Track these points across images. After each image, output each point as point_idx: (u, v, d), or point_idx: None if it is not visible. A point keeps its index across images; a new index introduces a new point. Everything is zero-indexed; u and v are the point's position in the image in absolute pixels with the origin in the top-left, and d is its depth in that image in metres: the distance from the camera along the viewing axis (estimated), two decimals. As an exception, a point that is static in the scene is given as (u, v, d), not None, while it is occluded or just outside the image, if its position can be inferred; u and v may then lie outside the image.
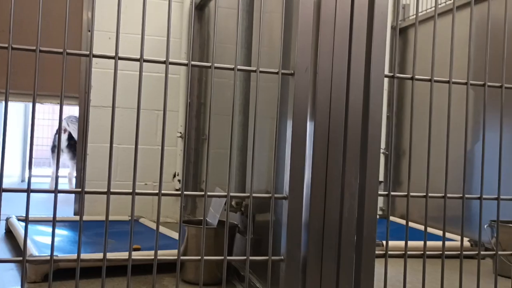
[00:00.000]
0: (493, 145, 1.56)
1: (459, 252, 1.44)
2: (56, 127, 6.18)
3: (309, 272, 1.21)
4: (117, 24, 1.09)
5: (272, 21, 1.68)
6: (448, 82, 1.39)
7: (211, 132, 1.25)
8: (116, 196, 1.18)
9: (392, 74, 1.28)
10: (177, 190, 3.43)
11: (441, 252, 1.42)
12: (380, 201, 4.16)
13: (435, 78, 1.38)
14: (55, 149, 5.41)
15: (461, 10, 2.91)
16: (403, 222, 3.82)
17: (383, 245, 2.74)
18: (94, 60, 3.27)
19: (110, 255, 1.14)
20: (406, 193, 1.40)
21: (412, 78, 1.35)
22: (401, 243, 2.63)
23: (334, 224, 1.23)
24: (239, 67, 1.17)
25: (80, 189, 1.11)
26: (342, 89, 1.23)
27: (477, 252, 1.48)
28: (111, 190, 1.12)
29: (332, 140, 1.22)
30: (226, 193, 1.19)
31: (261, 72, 1.20)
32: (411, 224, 3.76)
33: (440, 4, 3.30)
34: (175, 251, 2.02)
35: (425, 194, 1.39)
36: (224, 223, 2.13)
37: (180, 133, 3.46)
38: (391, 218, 4.03)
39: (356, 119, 1.24)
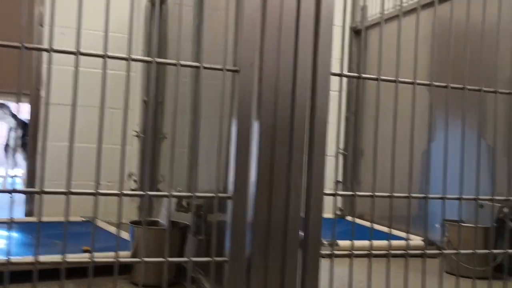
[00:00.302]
0: (453, 146, 1.58)
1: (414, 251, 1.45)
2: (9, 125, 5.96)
3: (254, 273, 1.19)
4: (78, 19, 1.08)
5: (223, 18, 1.65)
6: (412, 83, 1.40)
7: (170, 131, 1.22)
8: (64, 196, 1.14)
9: (339, 72, 1.27)
10: (132, 190, 3.35)
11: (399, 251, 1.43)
12: (339, 201, 4.19)
13: (382, 77, 1.38)
14: (8, 148, 5.22)
15: (413, 14, 2.95)
16: (362, 222, 3.86)
17: (338, 245, 2.75)
18: (46, 56, 3.14)
19: (45, 258, 1.09)
20: (371, 193, 1.39)
21: (377, 79, 1.34)
22: (357, 242, 2.64)
23: (279, 223, 1.21)
24: (182, 62, 1.13)
25: (38, 189, 1.07)
26: (288, 87, 1.21)
27: (428, 251, 1.49)
28: (71, 190, 1.09)
29: (278, 139, 1.20)
30: (168, 193, 1.15)
31: (205, 68, 1.17)
32: (367, 223, 3.79)
33: (403, 4, 3.35)
34: (123, 253, 1.96)
35: (389, 194, 1.40)
36: (176, 224, 2.09)
37: (136, 132, 3.38)
38: (350, 218, 4.06)
39: (302, 117, 1.22)
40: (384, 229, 3.43)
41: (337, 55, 1.39)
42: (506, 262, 2.20)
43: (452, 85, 1.50)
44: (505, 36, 2.36)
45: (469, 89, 1.50)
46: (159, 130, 3.39)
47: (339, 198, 4.24)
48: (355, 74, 1.30)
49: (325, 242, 2.81)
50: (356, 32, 3.97)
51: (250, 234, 1.20)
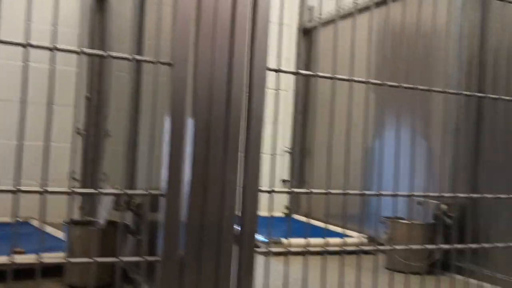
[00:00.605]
0: (393, 144, 1.61)
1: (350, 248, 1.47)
2: None
3: (187, 272, 1.16)
4: (28, 9, 1.02)
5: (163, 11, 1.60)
6: (349, 80, 1.40)
7: (112, 128, 1.17)
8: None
9: (275, 68, 1.26)
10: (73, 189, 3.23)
11: (338, 248, 1.44)
12: (285, 200, 4.21)
13: (319, 73, 1.38)
14: None
15: (363, 13, 3.00)
16: (307, 220, 3.88)
17: (281, 243, 2.76)
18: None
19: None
20: (309, 190, 1.39)
21: (314, 75, 1.34)
22: (300, 240, 2.65)
23: (214, 222, 1.18)
24: (111, 54, 1.09)
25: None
26: (223, 83, 1.19)
27: (373, 247, 1.51)
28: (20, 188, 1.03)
29: (213, 136, 1.18)
30: (96, 191, 1.10)
31: (136, 60, 1.13)
32: (313, 222, 3.83)
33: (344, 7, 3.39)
34: (57, 254, 1.89)
35: (326, 191, 1.40)
36: (114, 223, 2.02)
37: (78, 129, 3.27)
38: (296, 216, 4.09)
39: (237, 114, 1.20)
40: (330, 227, 3.48)
41: (286, 54, 1.38)
42: (441, 258, 2.27)
43: (404, 85, 1.52)
44: (446, 37, 2.45)
45: (405, 87, 1.53)
46: (102, 128, 3.29)
47: (285, 197, 4.26)
48: (293, 70, 1.29)
49: (267, 240, 2.81)
50: (304, 32, 4.00)
51: (184, 233, 1.17)
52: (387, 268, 2.56)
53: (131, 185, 1.90)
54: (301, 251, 1.32)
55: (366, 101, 1.49)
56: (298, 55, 1.51)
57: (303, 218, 3.94)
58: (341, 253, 1.42)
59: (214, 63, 1.18)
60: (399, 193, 1.61)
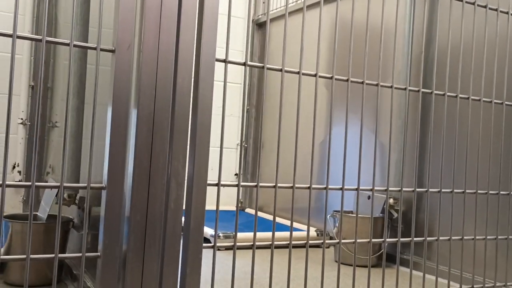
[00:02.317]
0: (343, 139, 1.61)
1: (302, 242, 1.46)
2: None
3: (129, 268, 1.12)
4: None
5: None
6: (298, 73, 1.39)
7: (59, 119, 1.10)
8: None
9: (223, 59, 1.23)
10: (17, 182, 3.09)
11: (285, 242, 1.42)
12: (240, 194, 4.18)
13: (286, 68, 1.37)
14: None
15: (316, 8, 3.02)
16: (261, 214, 3.89)
17: (232, 237, 2.75)
18: None
19: None
20: (255, 184, 1.38)
21: (263, 67, 1.31)
22: (250, 234, 2.63)
23: (158, 215, 1.15)
24: (48, 38, 1.03)
25: None
26: (170, 71, 1.15)
27: (320, 242, 1.51)
28: None
29: (157, 126, 1.14)
30: (30, 183, 1.04)
31: (75, 46, 1.07)
32: (266, 216, 3.82)
33: (294, 2, 3.39)
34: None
35: (274, 184, 1.39)
36: (56, 218, 1.94)
37: (22, 119, 3.13)
38: (249, 210, 4.09)
39: (184, 104, 1.17)
40: (283, 221, 3.49)
41: (240, 47, 1.35)
42: (387, 251, 2.31)
43: (352, 79, 1.52)
44: (396, 33, 2.49)
45: (354, 82, 1.53)
46: (47, 118, 3.16)
47: (239, 191, 4.16)
48: (241, 62, 1.27)
49: (220, 235, 2.78)
50: (258, 25, 3.98)
51: (126, 228, 1.13)
52: (337, 261, 2.59)
53: (77, 178, 1.83)
54: (249, 245, 1.31)
55: (315, 95, 1.48)
56: (247, 47, 1.50)
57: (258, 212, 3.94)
58: (290, 246, 1.41)
59: (159, 51, 1.13)
60: (346, 187, 1.61)
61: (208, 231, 2.80)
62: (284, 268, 1.40)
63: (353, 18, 1.52)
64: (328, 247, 2.85)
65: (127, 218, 1.12)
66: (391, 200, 2.52)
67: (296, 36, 1.43)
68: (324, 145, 3.16)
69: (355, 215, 2.59)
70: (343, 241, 1.76)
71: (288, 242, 1.48)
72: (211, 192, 1.21)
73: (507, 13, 1.83)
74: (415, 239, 1.70)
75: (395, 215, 2.52)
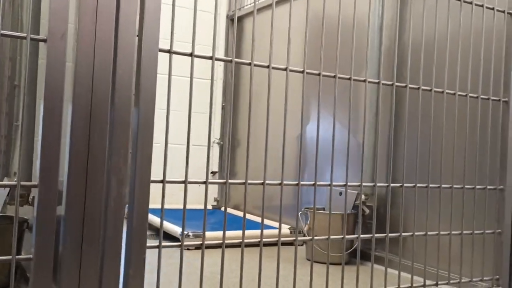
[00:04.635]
0: (324, 134, 1.57)
1: (274, 240, 1.42)
2: None
3: (65, 271, 1.05)
4: None
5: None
6: (268, 67, 1.34)
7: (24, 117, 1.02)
8: None
9: (168, 49, 1.17)
10: (-18, 183, 3.00)
11: (255, 240, 1.37)
12: (215, 192, 4.13)
13: (255, 62, 1.33)
14: None
15: (287, 3, 2.96)
16: (235, 212, 3.83)
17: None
18: None
19: None
20: (224, 181, 1.32)
21: (210, 57, 1.26)
22: (227, 233, 2.58)
23: (97, 215, 1.08)
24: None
25: None
26: (108, 62, 1.08)
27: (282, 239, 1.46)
28: None
29: (95, 120, 1.07)
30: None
31: (4, 35, 1.00)
32: (242, 214, 3.75)
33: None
34: None
35: (244, 181, 1.34)
36: (10, 218, 1.87)
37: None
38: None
39: (125, 96, 1.10)
40: (258, 219, 3.44)
41: (211, 42, 1.30)
42: (358, 247, 2.27)
43: (323, 73, 1.47)
44: (367, 27, 2.44)
45: (324, 75, 1.49)
46: (15, 117, 3.07)
47: (215, 189, 4.15)
48: (186, 52, 1.20)
49: (190, 234, 2.72)
50: (232, 21, 3.92)
51: (62, 228, 1.06)
52: (308, 259, 2.55)
53: (30, 177, 1.75)
54: (218, 244, 1.25)
55: (286, 90, 1.43)
56: (214, 42, 1.44)
57: (232, 211, 3.88)
58: (263, 244, 1.36)
59: (96, 40, 1.07)
60: (319, 183, 1.57)
61: (178, 230, 2.74)
62: (254, 267, 1.35)
63: (325, 12, 1.47)
64: (301, 245, 2.80)
65: (62, 219, 1.06)
66: (363, 196, 2.48)
67: (267, 31, 1.39)
68: (300, 139, 3.11)
69: (326, 211, 2.55)
70: (316, 237, 1.71)
71: (259, 240, 1.43)
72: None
73: (482, 6, 1.79)
74: (390, 235, 1.66)
75: (367, 211, 2.47)
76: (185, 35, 3.01)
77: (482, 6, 1.77)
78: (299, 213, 2.57)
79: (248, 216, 3.47)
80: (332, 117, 1.56)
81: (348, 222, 2.46)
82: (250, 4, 3.71)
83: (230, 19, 3.89)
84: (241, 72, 3.77)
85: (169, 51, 1.16)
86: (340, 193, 2.47)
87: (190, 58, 1.23)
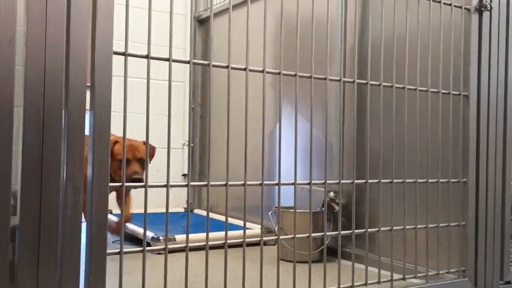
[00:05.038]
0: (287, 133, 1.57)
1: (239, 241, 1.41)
2: None
3: (21, 282, 1.02)
4: None
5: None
6: (226, 67, 1.34)
7: None
8: None
9: (123, 51, 1.15)
10: None
11: (221, 242, 1.37)
12: (185, 195, 4.10)
13: (213, 63, 1.31)
14: None
15: (256, 3, 2.95)
16: (211, 214, 3.80)
17: (175, 239, 2.66)
18: None
19: None
20: (186, 184, 1.31)
21: (166, 59, 1.25)
22: (198, 235, 2.54)
23: (54, 223, 1.06)
24: None
25: None
26: (60, 66, 1.06)
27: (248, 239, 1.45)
28: None
29: (48, 126, 1.05)
30: None
31: None
32: (215, 216, 3.74)
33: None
34: None
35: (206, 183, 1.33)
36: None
37: None
38: (197, 211, 4.00)
39: (79, 101, 1.08)
40: (232, 220, 3.43)
41: (181, 44, 1.29)
42: (327, 244, 2.28)
43: (284, 72, 1.47)
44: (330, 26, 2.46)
45: (284, 74, 1.49)
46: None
47: (185, 191, 4.08)
48: (142, 54, 1.19)
49: (161, 238, 2.69)
50: (200, 22, 3.90)
51: (18, 238, 1.04)
52: (280, 259, 2.54)
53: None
54: (183, 247, 1.24)
55: (246, 89, 1.42)
56: (170, 43, 1.41)
57: (205, 213, 3.86)
58: (226, 246, 1.35)
59: (47, 45, 1.04)
60: (282, 182, 1.57)
61: (149, 234, 2.71)
62: (222, 269, 1.34)
63: (290, 12, 1.46)
64: (274, 244, 2.80)
65: (17, 228, 1.03)
66: (332, 194, 2.49)
67: (239, 32, 1.38)
68: (272, 137, 3.11)
69: (297, 210, 2.55)
70: (282, 237, 1.71)
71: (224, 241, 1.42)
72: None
73: (439, 1, 1.82)
74: (356, 231, 1.66)
75: (337, 208, 2.49)
76: (158, 38, 2.97)
77: (439, 2, 1.80)
78: (270, 212, 2.57)
79: (221, 217, 3.46)
80: (303, 117, 1.57)
81: (318, 220, 2.47)
82: (219, 4, 3.70)
83: (197, 20, 3.86)
84: (210, 73, 3.74)
85: (124, 54, 1.14)
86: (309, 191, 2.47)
87: (165, 61, 1.22)
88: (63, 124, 1.07)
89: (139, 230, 2.83)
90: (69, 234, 1.07)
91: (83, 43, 1.08)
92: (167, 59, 1.23)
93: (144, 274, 1.19)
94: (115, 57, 1.11)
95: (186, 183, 1.28)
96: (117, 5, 1.12)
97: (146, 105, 1.20)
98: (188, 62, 1.26)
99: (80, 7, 1.08)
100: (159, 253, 2.55)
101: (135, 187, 1.19)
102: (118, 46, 1.12)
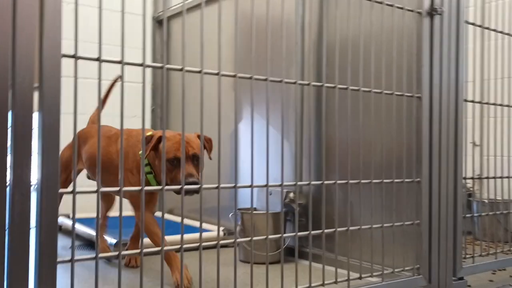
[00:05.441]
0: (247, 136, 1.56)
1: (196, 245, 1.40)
2: None
3: (-35, 293, 0.98)
4: None
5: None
6: (181, 70, 1.32)
7: None
8: None
9: (73, 54, 1.12)
10: None
11: (177, 247, 1.35)
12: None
13: (167, 66, 1.30)
14: None
15: (213, 4, 2.94)
16: (170, 217, 3.77)
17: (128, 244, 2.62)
18: None
19: None
20: (141, 188, 1.29)
21: (119, 62, 1.22)
22: (148, 240, 2.50)
23: (1, 232, 1.02)
24: None
25: None
26: (4, 69, 1.02)
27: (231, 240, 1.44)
28: None
29: (-7, 131, 1.01)
30: None
31: None
32: (175, 218, 3.69)
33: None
34: None
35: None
36: None
37: None
38: (158, 213, 3.95)
39: (26, 105, 1.05)
40: (191, 222, 3.40)
41: (140, 45, 1.26)
42: (287, 245, 2.29)
43: (239, 74, 1.47)
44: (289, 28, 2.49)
45: (240, 77, 1.49)
46: None
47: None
48: (93, 57, 1.16)
49: (113, 242, 2.63)
50: (159, 22, 3.86)
51: (-39, 247, 1.00)
52: (241, 260, 2.55)
53: None
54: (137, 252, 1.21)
55: (201, 91, 1.41)
56: (123, 44, 1.38)
57: (166, 215, 3.81)
58: (182, 250, 1.33)
59: (-9, 47, 1.01)
60: (239, 184, 1.56)
61: (109, 239, 2.66)
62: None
63: (256, 15, 1.46)
64: (237, 245, 2.79)
65: (-39, 237, 0.99)
66: (291, 194, 2.51)
67: (199, 34, 1.37)
68: (232, 139, 3.10)
69: (259, 212, 2.56)
70: (239, 239, 1.70)
71: (180, 246, 1.41)
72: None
73: (392, 5, 1.86)
74: (313, 232, 1.68)
75: (297, 209, 2.50)
76: (116, 39, 2.91)
77: (392, 5, 1.84)
78: (230, 214, 2.56)
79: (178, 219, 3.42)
80: (264, 119, 1.57)
81: (280, 221, 2.48)
82: (178, 4, 3.66)
83: (156, 20, 3.81)
84: (172, 75, 3.71)
85: (74, 56, 1.12)
86: (271, 193, 2.49)
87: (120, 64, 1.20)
88: (9, 126, 1.03)
89: (92, 234, 2.77)
90: (17, 242, 1.04)
91: (29, 43, 1.05)
92: (119, 62, 1.21)
93: (97, 281, 1.16)
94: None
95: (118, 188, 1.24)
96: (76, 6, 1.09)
97: (98, 105, 1.18)
98: (141, 65, 1.24)
99: (27, 8, 1.05)
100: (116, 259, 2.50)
101: (87, 192, 1.16)
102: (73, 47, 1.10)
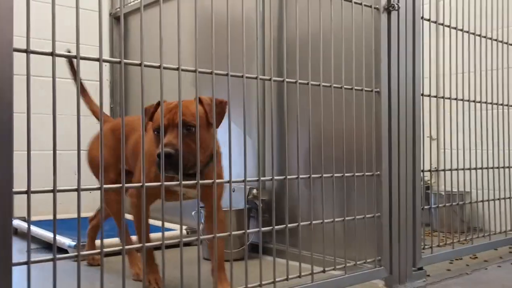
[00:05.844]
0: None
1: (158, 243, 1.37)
2: None
3: None
4: None
5: None
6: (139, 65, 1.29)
7: None
8: None
9: (25, 49, 1.08)
10: None
11: (138, 246, 1.32)
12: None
13: (125, 61, 1.27)
14: None
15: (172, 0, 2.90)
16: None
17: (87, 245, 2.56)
18: None
19: None
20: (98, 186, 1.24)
21: (71, 56, 1.19)
22: (111, 240, 2.45)
23: (-50, 235, 0.97)
24: None
25: None
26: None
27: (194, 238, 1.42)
28: None
29: None
30: None
31: None
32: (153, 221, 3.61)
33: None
34: None
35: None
36: None
37: None
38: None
39: (-25, 102, 1.00)
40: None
41: (97, 43, 1.22)
42: (251, 241, 2.29)
43: (200, 69, 1.45)
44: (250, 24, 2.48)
45: (202, 72, 1.47)
46: None
47: (79, 196, 3.87)
48: (48, 52, 1.12)
49: (72, 243, 2.57)
50: (116, 19, 3.78)
51: None
52: (206, 258, 2.53)
53: None
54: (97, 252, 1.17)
55: (161, 87, 1.38)
56: (78, 39, 1.34)
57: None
58: (123, 252, 1.31)
59: None
60: (201, 181, 1.54)
61: (66, 241, 2.59)
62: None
63: (215, 10, 1.44)
64: (201, 242, 2.77)
65: None
66: (255, 191, 2.51)
67: (157, 29, 1.34)
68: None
69: (223, 209, 2.55)
70: (202, 237, 1.69)
71: (141, 245, 1.38)
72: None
73: (350, 1, 1.88)
74: (276, 227, 1.68)
75: (260, 205, 2.51)
76: (73, 38, 2.83)
77: (351, 1, 1.86)
78: (193, 212, 2.54)
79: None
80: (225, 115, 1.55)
81: (242, 218, 2.48)
82: (135, 1, 3.60)
83: (113, 17, 3.73)
84: (128, 72, 3.64)
85: (26, 51, 1.07)
86: (234, 190, 2.48)
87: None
88: (-42, 127, 0.99)
89: (51, 236, 2.69)
90: (-32, 245, 0.99)
91: (-21, 39, 1.01)
92: (75, 57, 1.17)
93: (55, 283, 1.13)
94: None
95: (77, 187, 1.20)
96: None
97: (52, 105, 1.14)
98: (97, 60, 1.20)
99: (-26, 1, 1.00)
100: (75, 261, 2.44)
101: (42, 191, 1.12)
102: (33, 43, 1.06)
